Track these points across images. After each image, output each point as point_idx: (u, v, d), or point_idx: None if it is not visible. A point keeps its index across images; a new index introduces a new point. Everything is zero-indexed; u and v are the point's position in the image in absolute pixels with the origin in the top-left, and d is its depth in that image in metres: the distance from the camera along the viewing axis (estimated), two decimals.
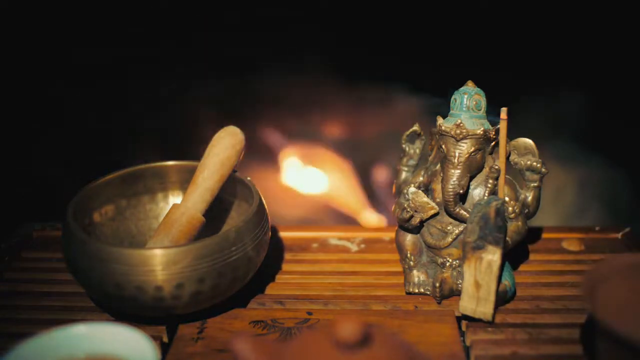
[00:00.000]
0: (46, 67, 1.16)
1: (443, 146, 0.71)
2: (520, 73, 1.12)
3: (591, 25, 1.13)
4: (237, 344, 0.50)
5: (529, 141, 0.73)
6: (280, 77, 1.21)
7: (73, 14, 1.14)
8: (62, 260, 0.71)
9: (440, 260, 0.73)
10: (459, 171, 0.70)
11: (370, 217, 1.30)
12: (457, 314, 0.70)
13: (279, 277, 0.79)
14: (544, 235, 0.85)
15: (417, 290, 0.74)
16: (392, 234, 0.81)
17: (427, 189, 0.75)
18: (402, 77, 1.16)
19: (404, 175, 0.80)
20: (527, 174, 0.73)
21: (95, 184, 0.76)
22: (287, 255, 0.83)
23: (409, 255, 0.74)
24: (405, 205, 0.72)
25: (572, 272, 0.77)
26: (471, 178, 0.72)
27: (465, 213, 0.71)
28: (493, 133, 0.71)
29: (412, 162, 0.80)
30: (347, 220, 1.29)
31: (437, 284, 0.71)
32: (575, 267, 0.78)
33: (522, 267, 0.79)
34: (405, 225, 0.73)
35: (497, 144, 0.72)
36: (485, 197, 0.71)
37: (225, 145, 0.73)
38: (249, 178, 0.76)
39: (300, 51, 1.19)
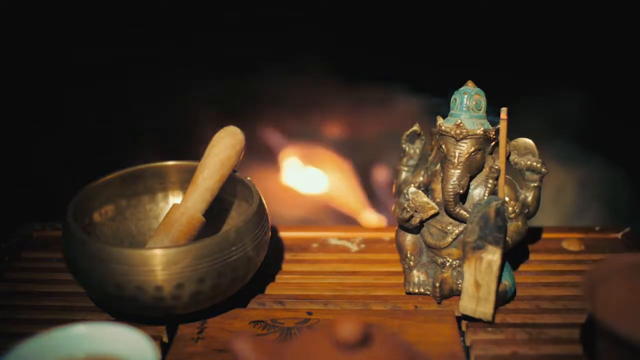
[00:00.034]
0: (46, 67, 1.16)
1: (443, 146, 0.71)
2: (520, 73, 1.12)
3: (591, 25, 1.13)
4: (237, 344, 0.50)
5: (529, 141, 0.73)
6: (280, 77, 1.21)
7: (73, 14, 1.14)
8: (62, 260, 0.71)
9: (440, 260, 0.73)
10: (459, 171, 0.70)
11: (370, 217, 1.30)
12: (457, 314, 0.70)
13: (279, 277, 0.79)
14: (544, 235, 0.85)
15: (417, 290, 0.74)
16: (392, 234, 0.81)
17: (427, 189, 0.75)
18: (402, 77, 1.16)
19: (404, 175, 0.80)
20: (527, 174, 0.73)
21: (95, 184, 0.76)
22: (287, 255, 0.83)
23: (409, 255, 0.74)
24: (405, 205, 0.72)
25: (572, 272, 0.77)
26: (471, 178, 0.72)
27: (465, 213, 0.71)
28: (493, 133, 0.71)
29: (412, 162, 0.80)
30: (347, 220, 1.29)
31: (437, 284, 0.71)
32: (575, 267, 0.78)
33: (522, 267, 0.79)
34: (405, 225, 0.73)
35: (497, 144, 0.72)
36: (485, 197, 0.71)
37: (225, 145, 0.73)
38: (249, 178, 0.76)
39: (300, 51, 1.19)
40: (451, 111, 0.72)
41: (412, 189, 0.72)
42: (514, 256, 0.76)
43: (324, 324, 0.68)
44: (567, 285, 0.75)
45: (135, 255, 0.64)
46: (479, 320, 0.68)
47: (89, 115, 1.19)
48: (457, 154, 0.70)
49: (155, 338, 0.67)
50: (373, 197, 1.31)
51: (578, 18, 1.13)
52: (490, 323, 0.68)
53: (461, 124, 0.69)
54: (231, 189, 0.78)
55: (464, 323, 0.69)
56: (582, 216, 1.19)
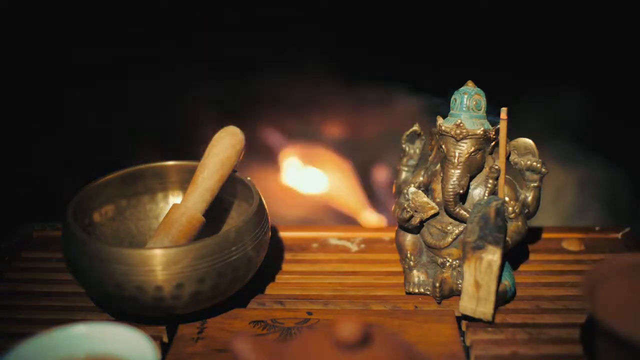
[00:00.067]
0: (46, 67, 1.16)
1: (443, 146, 0.71)
2: (520, 73, 1.12)
3: (591, 25, 1.13)
4: (237, 344, 0.50)
5: (529, 141, 0.73)
6: (280, 77, 1.21)
7: (73, 14, 1.14)
8: (62, 260, 0.71)
9: (440, 260, 0.73)
10: (459, 171, 0.70)
11: (370, 217, 1.30)
12: (457, 314, 0.70)
13: (279, 277, 0.79)
14: (544, 235, 0.85)
15: (417, 290, 0.74)
16: (392, 234, 0.81)
17: (427, 189, 0.75)
18: (402, 77, 1.16)
19: (404, 175, 0.80)
20: (527, 174, 0.73)
21: (95, 184, 0.76)
22: (287, 255, 0.83)
23: (409, 255, 0.74)
24: (405, 205, 0.72)
25: (572, 272, 0.77)
26: (471, 178, 0.72)
27: (465, 213, 0.71)
28: (493, 133, 0.71)
29: (412, 162, 0.80)
30: (347, 220, 1.29)
31: (437, 284, 0.71)
32: (575, 267, 0.78)
33: (522, 267, 0.79)
34: (405, 225, 0.73)
35: (497, 144, 0.72)
36: (485, 197, 0.71)
37: (225, 145, 0.73)
38: (249, 178, 0.76)
39: (300, 51, 1.19)
40: (451, 111, 0.72)
41: (412, 189, 0.72)
42: (514, 256, 0.76)
43: (324, 324, 0.68)
44: (567, 285, 0.75)
45: (135, 255, 0.64)
46: (479, 320, 0.68)
47: (89, 115, 1.19)
48: (457, 154, 0.70)
49: (155, 338, 0.67)
50: (373, 197, 1.31)
51: (578, 18, 1.13)
52: (490, 323, 0.68)
53: (461, 124, 0.69)
54: (231, 189, 0.78)
55: (464, 323, 0.69)
56: (582, 216, 1.19)
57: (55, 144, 1.17)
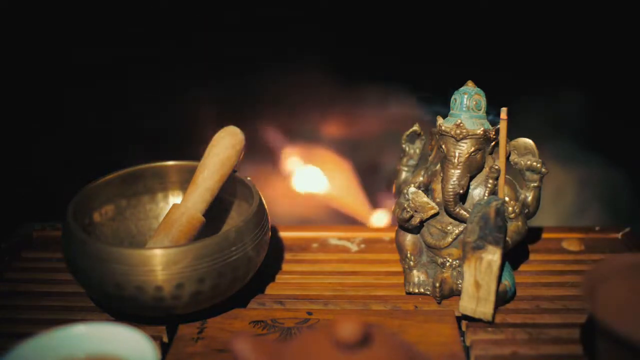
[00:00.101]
0: (46, 67, 1.16)
1: (443, 146, 0.71)
2: (520, 73, 1.12)
3: (591, 25, 1.13)
4: (237, 344, 0.50)
5: (529, 141, 0.73)
6: (280, 77, 1.21)
7: (73, 14, 1.14)
8: (62, 260, 0.71)
9: (440, 260, 0.73)
10: (459, 171, 0.70)
11: (370, 217, 1.30)
12: (457, 314, 0.70)
13: (279, 277, 0.79)
14: (544, 235, 0.85)
15: (417, 290, 0.74)
16: (392, 234, 0.81)
17: (427, 189, 0.75)
18: (402, 77, 1.16)
19: (404, 175, 0.80)
20: (527, 174, 0.73)
21: (95, 184, 0.76)
22: (287, 255, 0.83)
23: (409, 255, 0.74)
24: (405, 205, 0.72)
25: (572, 272, 0.77)
26: (471, 178, 0.72)
27: (465, 213, 0.71)
28: (493, 133, 0.71)
29: (412, 162, 0.80)
30: (347, 220, 1.29)
31: (437, 284, 0.71)
32: (575, 267, 0.79)
33: (522, 267, 0.79)
34: (405, 225, 0.73)
35: (497, 144, 0.72)
36: (485, 197, 0.71)
37: (225, 145, 0.73)
38: (249, 178, 0.76)
39: (300, 51, 1.19)
40: (451, 111, 0.72)
41: (412, 189, 0.72)
42: (514, 256, 0.76)
43: (324, 324, 0.68)
44: (567, 285, 0.75)
45: (135, 255, 0.64)
46: (479, 320, 0.68)
47: (89, 115, 1.19)
48: (457, 154, 0.70)
49: (155, 338, 0.67)
50: (373, 197, 1.31)
51: (578, 18, 1.13)
52: (490, 323, 0.68)
53: (461, 124, 0.69)
54: (231, 189, 0.78)
55: (464, 323, 0.69)
56: (582, 216, 1.19)
57: (55, 144, 1.17)
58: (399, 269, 0.77)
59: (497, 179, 0.71)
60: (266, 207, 0.73)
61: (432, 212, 0.72)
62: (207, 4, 1.17)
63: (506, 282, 0.70)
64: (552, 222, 1.15)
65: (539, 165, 0.72)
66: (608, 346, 0.55)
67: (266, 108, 1.27)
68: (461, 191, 0.70)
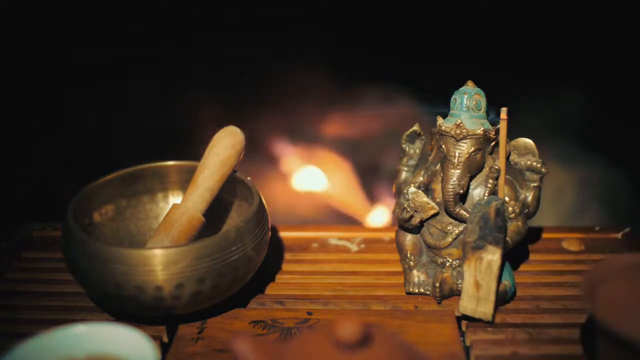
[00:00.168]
0: (46, 67, 1.16)
1: (443, 146, 0.71)
2: (520, 73, 1.12)
3: (591, 25, 1.13)
4: (237, 344, 0.50)
5: (529, 141, 0.73)
6: (280, 77, 1.21)
7: (73, 14, 1.14)
8: (62, 260, 0.71)
9: (440, 260, 0.73)
10: (459, 171, 0.70)
11: (370, 217, 1.30)
12: (457, 314, 0.70)
13: (279, 277, 0.79)
14: (544, 235, 0.85)
15: (417, 290, 0.74)
16: (392, 234, 0.81)
17: (427, 189, 0.75)
18: (402, 77, 1.16)
19: (404, 175, 0.80)
20: (527, 174, 0.73)
21: (95, 184, 0.76)
22: (287, 255, 0.83)
23: (409, 255, 0.74)
24: (405, 205, 0.72)
25: (572, 272, 0.77)
26: (471, 178, 0.72)
27: (465, 213, 0.71)
28: (493, 133, 0.71)
29: (412, 162, 0.80)
30: (347, 220, 1.29)
31: (437, 284, 0.71)
32: (575, 267, 0.78)
33: (522, 267, 0.79)
34: (405, 225, 0.73)
35: (497, 144, 0.72)
36: (485, 197, 0.71)
37: (225, 145, 0.73)
38: (249, 178, 0.76)
39: (300, 51, 1.19)
40: (451, 111, 0.72)
41: (412, 189, 0.72)
42: (514, 256, 0.76)
43: (324, 324, 0.68)
44: (567, 285, 0.75)
45: (135, 255, 0.64)
46: (479, 320, 0.68)
47: (89, 115, 1.19)
48: (457, 154, 0.70)
49: (155, 338, 0.67)
50: (373, 197, 1.31)
51: (578, 18, 1.13)
52: (490, 323, 0.68)
53: (461, 124, 0.69)
54: (231, 189, 0.78)
55: (464, 323, 0.69)
56: (582, 216, 1.19)
57: (55, 144, 1.17)
58: (399, 269, 0.77)
59: (497, 179, 0.71)
60: (266, 207, 0.73)
61: (432, 212, 0.72)
62: (207, 4, 1.18)
63: (506, 282, 0.70)
64: (552, 222, 1.15)
65: (539, 165, 0.72)
66: (608, 346, 0.55)
67: (266, 108, 1.27)
68: (461, 191, 0.70)
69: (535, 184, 0.73)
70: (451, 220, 0.72)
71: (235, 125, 0.75)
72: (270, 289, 0.76)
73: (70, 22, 1.14)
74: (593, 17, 1.12)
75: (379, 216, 1.30)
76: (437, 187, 0.73)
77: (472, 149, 0.70)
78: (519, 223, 0.72)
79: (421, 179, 0.75)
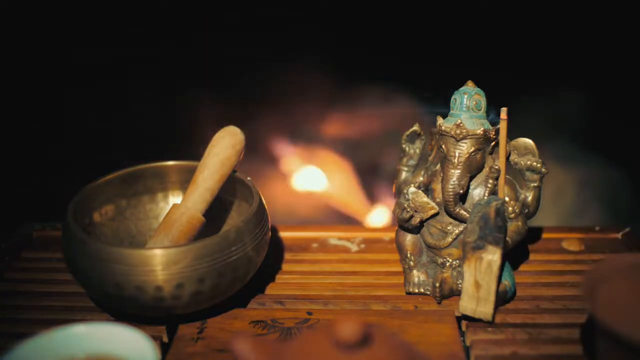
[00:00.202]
0: (46, 67, 1.16)
1: (443, 146, 0.71)
2: (520, 73, 1.12)
3: (591, 25, 1.13)
4: (237, 344, 0.50)
5: (529, 141, 0.73)
6: (280, 77, 1.21)
7: (73, 14, 1.14)
8: (62, 260, 0.71)
9: (440, 260, 0.73)
10: (459, 171, 0.70)
11: (370, 217, 1.30)
12: (457, 314, 0.70)
13: (279, 277, 0.79)
14: (544, 235, 0.85)
15: (417, 290, 0.74)
16: (392, 234, 0.81)
17: (427, 189, 0.75)
18: (402, 77, 1.16)
19: (404, 175, 0.80)
20: (527, 174, 0.73)
21: (95, 184, 0.76)
22: (287, 255, 0.83)
23: (409, 255, 0.74)
24: (405, 205, 0.72)
25: (572, 272, 0.77)
26: (471, 178, 0.72)
27: (465, 213, 0.71)
28: (493, 133, 0.71)
29: (412, 162, 0.80)
30: (347, 220, 1.29)
31: (437, 284, 0.71)
32: (575, 267, 0.79)
33: (522, 267, 0.79)
34: (405, 225, 0.73)
35: (497, 144, 0.72)
36: (485, 197, 0.71)
37: (225, 145, 0.73)
38: (249, 178, 0.76)
39: (300, 51, 1.19)
40: (451, 111, 0.72)
41: (412, 189, 0.72)
42: (514, 256, 0.76)
43: (324, 324, 0.68)
44: (567, 285, 0.75)
45: (135, 255, 0.64)
46: (479, 320, 0.68)
47: (89, 115, 1.19)
48: (457, 154, 0.70)
49: (155, 338, 0.67)
50: (373, 197, 1.31)
51: (578, 18, 1.13)
52: (490, 323, 0.68)
53: (461, 124, 0.69)
54: (231, 189, 0.78)
55: (464, 323, 0.69)
56: (582, 216, 1.19)
57: (55, 143, 1.17)
58: (399, 269, 0.77)
59: (497, 179, 0.71)
60: (266, 207, 0.73)
61: (432, 212, 0.72)
62: (207, 4, 1.17)
63: (506, 282, 0.70)
64: (552, 222, 1.14)
65: (539, 165, 0.72)
66: (608, 346, 0.55)
67: (266, 108, 1.27)
68: (461, 191, 0.70)
69: (535, 184, 0.73)
70: (451, 220, 0.72)
71: (235, 125, 0.75)
72: (270, 289, 0.76)
73: (70, 22, 1.14)
74: (593, 17, 1.12)
75: (379, 216, 1.30)
76: (437, 187, 0.73)
77: (472, 149, 0.70)
78: (519, 223, 0.72)
79: (421, 179, 0.75)
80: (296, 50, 1.20)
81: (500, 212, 0.68)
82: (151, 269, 0.63)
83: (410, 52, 1.17)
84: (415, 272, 0.74)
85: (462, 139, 0.70)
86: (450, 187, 0.70)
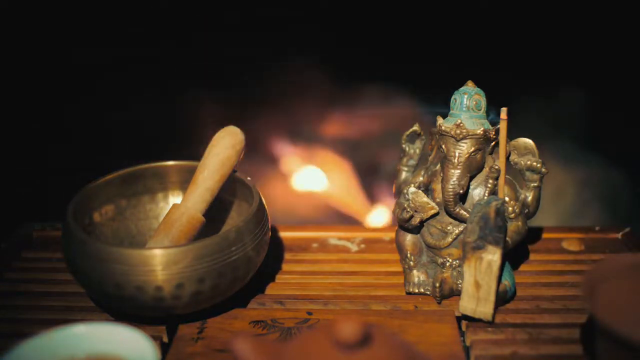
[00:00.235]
0: (46, 67, 1.16)
1: (443, 146, 0.71)
2: (520, 73, 1.12)
3: (591, 25, 1.13)
4: (237, 344, 0.50)
5: (529, 141, 0.73)
6: (280, 77, 1.21)
7: (73, 14, 1.14)
8: (62, 260, 0.71)
9: (440, 260, 0.73)
10: (459, 171, 0.70)
11: (370, 217, 1.30)
12: (457, 314, 0.70)
13: (279, 277, 0.79)
14: (544, 235, 0.85)
15: (417, 290, 0.74)
16: (392, 234, 0.81)
17: (427, 189, 0.75)
18: (402, 77, 1.16)
19: (404, 175, 0.80)
20: (527, 174, 0.73)
21: (95, 184, 0.76)
22: (287, 255, 0.83)
23: (409, 255, 0.74)
24: (405, 205, 0.72)
25: (572, 272, 0.77)
26: (471, 178, 0.72)
27: (465, 213, 0.71)
28: (493, 133, 0.71)
29: (412, 162, 0.80)
30: (347, 220, 1.29)
31: (437, 284, 0.71)
32: (575, 267, 0.78)
33: (522, 267, 0.79)
34: (405, 225, 0.73)
35: (497, 144, 0.72)
36: (485, 197, 0.71)
37: (225, 145, 0.73)
38: (249, 178, 0.76)
39: (300, 51, 1.19)
40: (451, 111, 0.72)
41: (412, 189, 0.72)
42: (514, 256, 0.76)
43: (324, 324, 0.68)
44: (567, 285, 0.75)
45: (135, 255, 0.64)
46: (479, 320, 0.68)
47: (89, 115, 1.19)
48: (457, 154, 0.70)
49: (155, 338, 0.67)
50: (373, 197, 1.31)
51: (578, 18, 1.13)
52: (490, 323, 0.68)
53: (461, 124, 0.69)
54: (231, 189, 0.78)
55: (464, 323, 0.69)
56: (582, 216, 1.19)
57: (56, 143, 1.17)
58: (399, 269, 0.77)
59: (497, 179, 0.71)
60: (266, 207, 0.73)
61: (432, 212, 0.72)
62: (207, 4, 1.18)
63: (506, 282, 0.70)
64: (552, 222, 1.15)
65: (539, 165, 0.72)
66: (608, 346, 0.55)
67: (266, 108, 1.27)
68: (461, 191, 0.70)
69: (535, 184, 0.73)
70: (451, 220, 0.72)
71: (235, 125, 0.75)
72: (270, 289, 0.76)
73: (70, 22, 1.14)
74: (593, 17, 1.12)
75: (379, 216, 1.30)
76: (437, 187, 0.73)
77: (472, 149, 0.70)
78: (519, 223, 0.72)
79: (421, 179, 0.75)
80: (296, 50, 1.20)
81: (500, 212, 0.68)
82: (151, 269, 0.63)
83: (410, 52, 1.17)
84: (415, 272, 0.74)
85: (462, 139, 0.70)
86: (450, 187, 0.70)
